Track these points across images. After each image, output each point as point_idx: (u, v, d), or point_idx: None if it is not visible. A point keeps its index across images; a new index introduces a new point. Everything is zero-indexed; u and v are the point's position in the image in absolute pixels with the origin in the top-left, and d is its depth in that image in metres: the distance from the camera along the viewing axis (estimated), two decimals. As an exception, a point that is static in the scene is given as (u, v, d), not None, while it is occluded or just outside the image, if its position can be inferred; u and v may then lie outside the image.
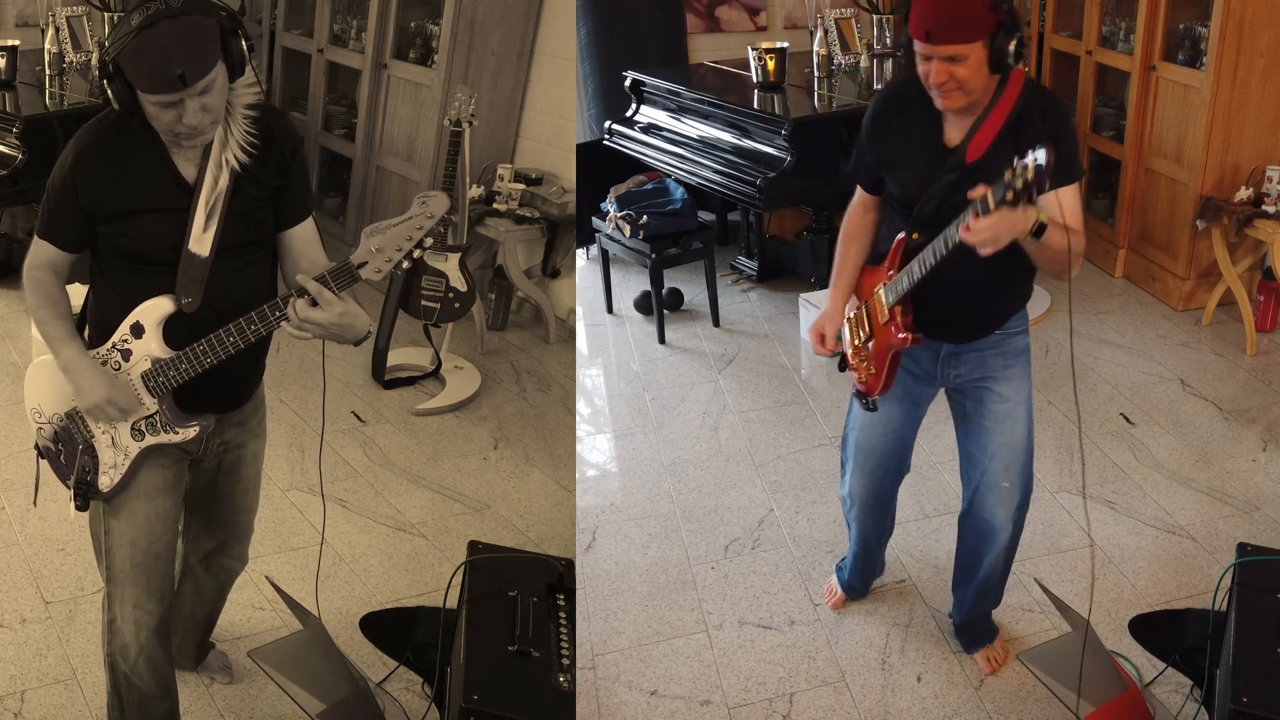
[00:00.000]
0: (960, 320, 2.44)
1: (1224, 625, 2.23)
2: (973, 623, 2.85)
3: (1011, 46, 2.14)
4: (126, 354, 2.11)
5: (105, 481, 2.20)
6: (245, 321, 2.04)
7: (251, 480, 2.48)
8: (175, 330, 2.10)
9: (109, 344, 2.12)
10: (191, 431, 2.18)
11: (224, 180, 2.06)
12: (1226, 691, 2.00)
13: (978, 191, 2.06)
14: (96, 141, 2.04)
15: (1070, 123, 2.33)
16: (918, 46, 2.19)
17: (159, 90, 1.90)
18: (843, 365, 2.63)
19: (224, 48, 1.96)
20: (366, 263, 2.00)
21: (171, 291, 2.08)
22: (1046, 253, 2.20)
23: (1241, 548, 2.28)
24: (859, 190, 2.54)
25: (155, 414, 2.15)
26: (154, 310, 2.09)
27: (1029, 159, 1.95)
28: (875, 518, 2.86)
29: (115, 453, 2.18)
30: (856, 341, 2.54)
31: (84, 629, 2.90)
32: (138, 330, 2.09)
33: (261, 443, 2.46)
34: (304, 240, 2.21)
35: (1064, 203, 2.21)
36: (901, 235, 2.37)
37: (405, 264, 2.02)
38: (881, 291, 2.41)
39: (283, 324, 2.03)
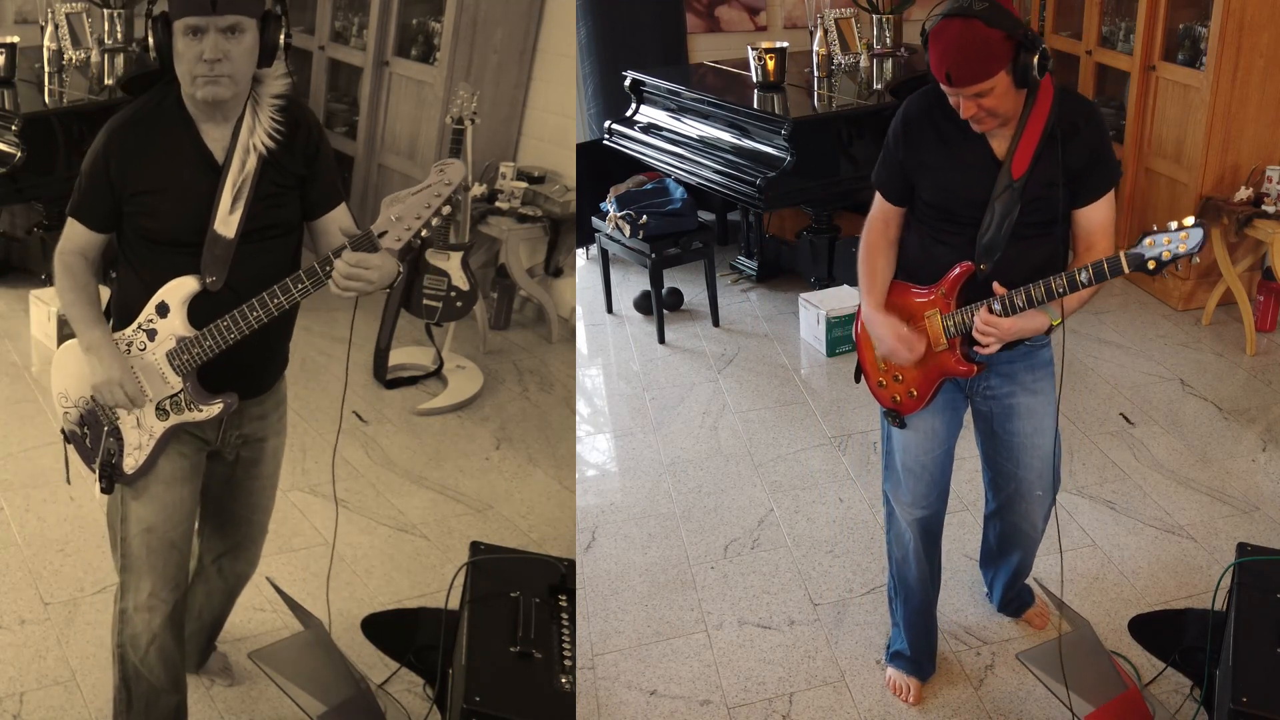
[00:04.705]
0: None
1: (1224, 625, 2.24)
2: (1013, 594, 2.96)
3: (1034, 61, 2.13)
4: (152, 334, 2.15)
5: (130, 463, 2.23)
6: (268, 295, 2.10)
7: (269, 478, 2.50)
8: (197, 311, 2.15)
9: (135, 324, 2.16)
10: (216, 408, 2.22)
11: (251, 163, 2.12)
12: (1226, 691, 2.00)
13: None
14: (130, 120, 2.11)
15: (1106, 129, 2.33)
16: (943, 85, 2.19)
17: (189, 11, 1.98)
18: (859, 377, 2.60)
19: (261, 32, 2.07)
20: (386, 232, 2.07)
21: (194, 273, 2.13)
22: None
23: (1241, 548, 2.28)
24: (880, 201, 2.45)
25: (179, 392, 2.19)
26: (179, 289, 2.13)
27: (1177, 234, 2.06)
28: (930, 557, 2.68)
29: (140, 433, 2.22)
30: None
31: (83, 630, 2.89)
32: (163, 310, 2.14)
33: (281, 440, 2.50)
34: (338, 223, 2.27)
35: (1096, 218, 2.31)
36: (967, 264, 2.31)
37: (425, 232, 2.09)
38: (939, 318, 2.36)
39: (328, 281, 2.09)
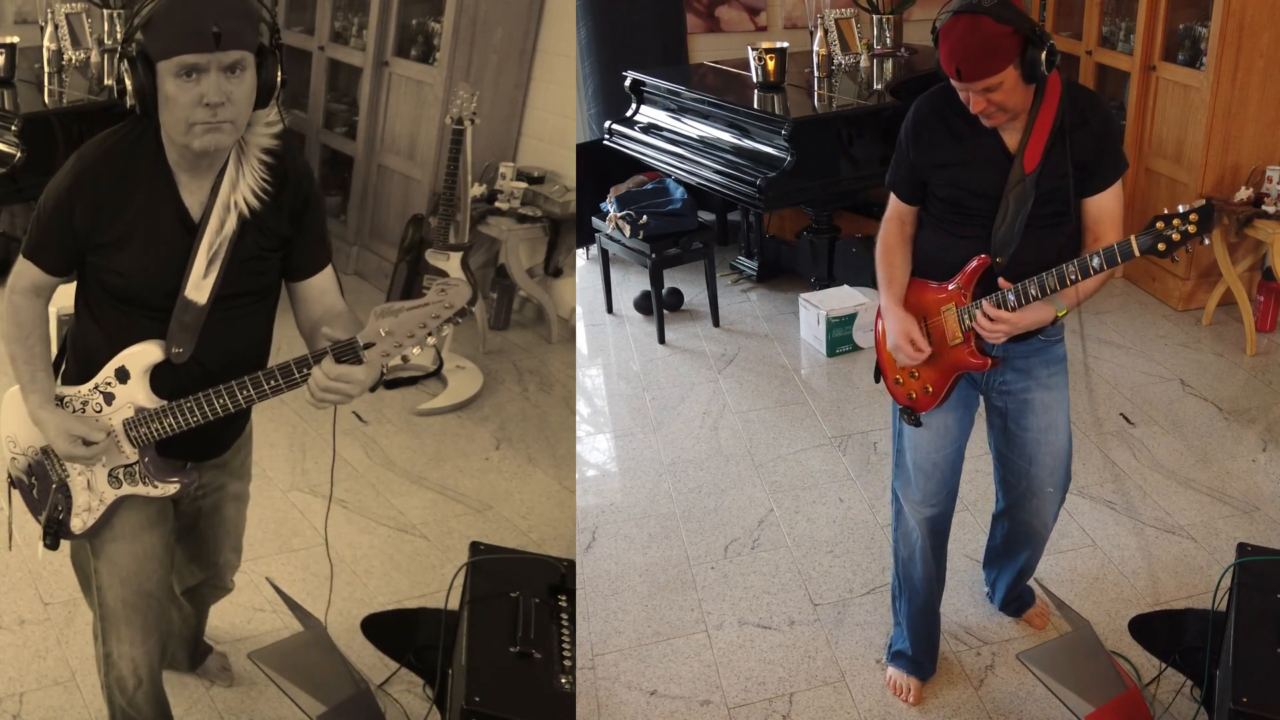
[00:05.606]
0: None
1: (1224, 625, 2.24)
2: (1015, 594, 2.95)
3: (1042, 56, 2.17)
4: (109, 398, 1.99)
5: (78, 524, 2.09)
6: (238, 385, 1.93)
7: (233, 521, 2.40)
8: (160, 379, 1.98)
9: (92, 384, 2.00)
10: (171, 488, 2.08)
11: (231, 224, 1.91)
12: (1226, 691, 2.00)
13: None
14: (102, 159, 1.88)
15: (1113, 121, 2.35)
16: (953, 81, 2.22)
17: (187, 48, 1.72)
18: (878, 377, 2.61)
19: (258, 69, 1.84)
20: (374, 344, 1.85)
21: (159, 336, 1.95)
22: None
23: (1241, 548, 2.29)
24: (894, 201, 2.48)
25: (135, 464, 2.04)
26: (141, 357, 1.96)
27: (1187, 213, 2.06)
28: (936, 557, 2.68)
29: (90, 496, 2.08)
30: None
31: (83, 630, 2.89)
32: (123, 375, 1.97)
33: (244, 484, 2.37)
34: (320, 289, 2.09)
35: (1105, 207, 2.31)
36: (983, 257, 2.33)
37: (417, 350, 1.87)
38: (955, 312, 2.37)
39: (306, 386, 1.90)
